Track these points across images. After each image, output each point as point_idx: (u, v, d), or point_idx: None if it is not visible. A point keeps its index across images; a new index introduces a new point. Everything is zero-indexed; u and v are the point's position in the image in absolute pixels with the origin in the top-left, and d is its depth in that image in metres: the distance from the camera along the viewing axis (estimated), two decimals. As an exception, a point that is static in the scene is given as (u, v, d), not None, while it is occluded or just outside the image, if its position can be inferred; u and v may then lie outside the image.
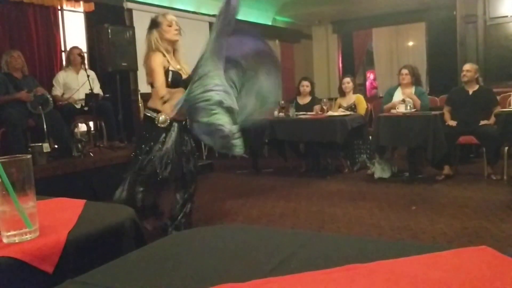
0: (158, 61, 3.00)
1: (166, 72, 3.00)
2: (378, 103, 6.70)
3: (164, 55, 3.04)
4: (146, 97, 6.83)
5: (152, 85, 3.09)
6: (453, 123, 5.05)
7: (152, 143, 3.01)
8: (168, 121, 3.04)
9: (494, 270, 0.74)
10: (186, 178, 3.20)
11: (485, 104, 5.01)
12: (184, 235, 1.15)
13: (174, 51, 3.13)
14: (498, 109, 4.88)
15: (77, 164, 4.66)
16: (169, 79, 3.01)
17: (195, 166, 3.26)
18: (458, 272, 0.74)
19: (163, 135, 3.04)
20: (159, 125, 3.03)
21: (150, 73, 3.03)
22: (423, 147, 4.75)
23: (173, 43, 3.10)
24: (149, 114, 3.08)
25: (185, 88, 2.85)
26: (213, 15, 8.37)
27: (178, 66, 3.10)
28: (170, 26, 3.06)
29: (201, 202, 4.49)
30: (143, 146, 3.04)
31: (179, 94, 2.93)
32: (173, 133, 3.06)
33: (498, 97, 5.25)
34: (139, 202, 3.04)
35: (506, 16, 7.72)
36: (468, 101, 5.06)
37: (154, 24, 3.10)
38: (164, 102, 3.03)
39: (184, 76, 3.06)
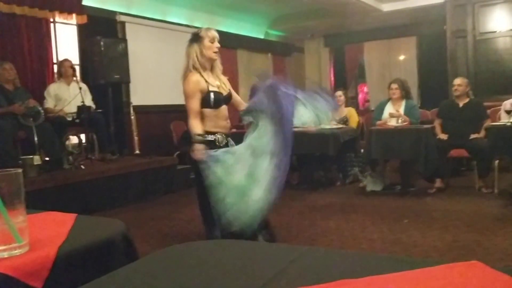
0: (193, 84, 2.89)
1: (207, 94, 2.90)
2: (370, 116, 6.74)
3: (201, 74, 2.92)
4: (139, 109, 6.88)
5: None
6: (444, 136, 5.09)
7: None
8: (225, 139, 2.98)
9: (485, 285, 0.74)
10: None
11: (476, 117, 5.06)
12: (176, 250, 1.14)
13: (212, 68, 3.01)
14: (488, 123, 4.93)
15: (68, 176, 4.62)
16: (211, 101, 2.92)
17: None
18: (450, 287, 0.74)
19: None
20: (220, 145, 2.92)
21: (184, 94, 2.95)
22: (415, 160, 4.77)
23: (212, 60, 2.98)
24: (208, 139, 2.92)
25: (227, 103, 3.01)
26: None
27: (217, 82, 3.00)
28: (212, 42, 2.93)
29: (193, 215, 4.47)
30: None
31: (224, 111, 2.99)
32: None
33: (488, 111, 5.31)
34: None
35: (495, 32, 7.83)
36: (459, 114, 5.11)
37: (196, 38, 2.95)
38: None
39: (224, 93, 3.00)
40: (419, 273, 0.81)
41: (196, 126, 2.91)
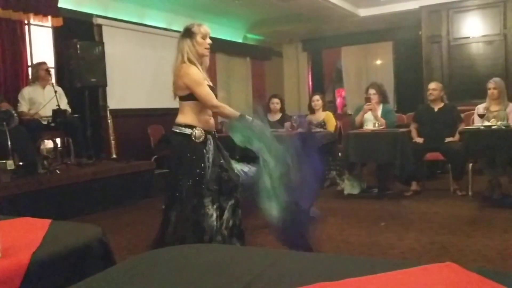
0: (197, 72, 2.84)
1: None
2: (347, 120, 6.80)
3: (197, 67, 2.88)
4: (116, 113, 6.80)
5: (182, 98, 2.90)
6: (420, 140, 5.17)
7: (201, 162, 2.86)
8: (203, 135, 2.89)
9: (459, 286, 0.75)
10: (227, 189, 3.00)
11: (450, 122, 5.16)
12: (152, 255, 1.13)
13: (201, 64, 2.96)
14: (463, 126, 5.03)
15: (42, 181, 4.53)
16: None
17: (235, 175, 3.09)
18: (425, 288, 0.75)
19: (204, 150, 2.89)
20: (196, 141, 2.86)
21: (191, 85, 2.83)
22: (391, 163, 4.83)
23: (202, 57, 2.94)
24: (182, 131, 2.87)
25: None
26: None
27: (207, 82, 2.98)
28: (204, 39, 2.90)
29: (171, 219, 4.44)
30: (197, 169, 2.85)
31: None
32: (211, 146, 2.92)
33: (462, 115, 5.42)
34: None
35: (468, 37, 8.02)
36: (434, 119, 5.20)
37: (188, 33, 2.89)
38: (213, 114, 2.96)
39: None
40: (395, 275, 0.82)
41: (231, 109, 2.93)
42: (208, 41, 2.93)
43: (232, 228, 2.95)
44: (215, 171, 2.90)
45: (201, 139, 2.87)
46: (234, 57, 9.94)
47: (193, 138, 2.86)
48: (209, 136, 2.93)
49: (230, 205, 2.95)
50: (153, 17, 7.83)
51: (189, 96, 2.87)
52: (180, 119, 2.91)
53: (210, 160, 2.89)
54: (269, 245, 3.52)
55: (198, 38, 2.87)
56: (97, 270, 1.01)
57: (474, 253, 3.03)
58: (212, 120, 2.97)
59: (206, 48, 2.92)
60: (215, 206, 2.87)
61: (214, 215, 2.87)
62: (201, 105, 2.89)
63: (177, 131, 2.90)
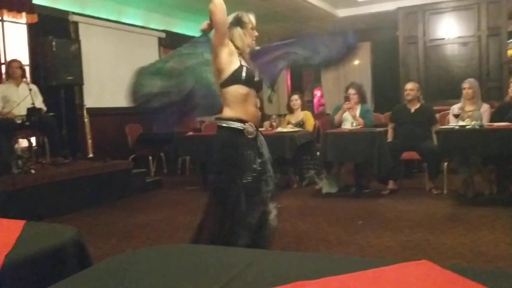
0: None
1: (240, 67, 2.62)
2: (325, 120, 6.85)
3: (240, 54, 2.68)
4: (92, 112, 6.71)
5: (222, 84, 2.64)
6: (391, 137, 5.28)
7: (256, 159, 2.65)
8: (254, 130, 2.67)
9: (434, 283, 0.77)
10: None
11: (426, 121, 5.25)
12: (131, 256, 1.12)
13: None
14: (438, 126, 5.12)
15: (16, 181, 4.44)
16: (243, 74, 2.60)
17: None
18: (401, 286, 0.76)
19: (257, 146, 2.69)
20: (248, 136, 2.64)
21: (219, 32, 2.58)
22: (369, 162, 4.89)
23: (249, 48, 2.75)
24: (235, 126, 2.62)
25: (257, 90, 2.70)
26: (162, 30, 8.34)
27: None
28: (252, 29, 2.73)
29: (149, 219, 4.40)
30: (254, 166, 2.63)
31: (253, 98, 2.68)
32: (263, 142, 2.73)
33: (437, 115, 5.52)
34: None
35: (443, 39, 8.17)
36: (410, 119, 5.28)
37: (238, 22, 2.70)
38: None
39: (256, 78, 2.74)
40: (373, 273, 0.83)
41: None
42: (255, 32, 2.77)
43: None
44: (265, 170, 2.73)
45: (253, 135, 2.66)
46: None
47: (245, 134, 2.64)
48: (258, 131, 2.74)
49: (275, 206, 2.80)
50: (131, 15, 7.74)
51: (230, 79, 2.61)
52: (228, 112, 2.66)
53: (266, 156, 2.73)
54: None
55: (249, 28, 2.72)
56: (73, 272, 0.99)
57: (449, 250, 3.09)
58: (259, 114, 2.76)
59: (253, 40, 2.75)
60: (270, 204, 2.74)
61: (273, 213, 2.73)
62: (245, 94, 2.64)
63: (225, 125, 2.66)
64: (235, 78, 2.60)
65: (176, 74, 2.75)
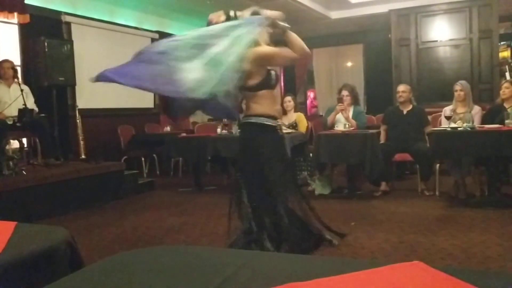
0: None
1: (269, 71, 2.78)
2: (318, 121, 6.87)
3: None
4: (85, 113, 6.67)
5: (254, 88, 2.75)
6: (383, 140, 5.30)
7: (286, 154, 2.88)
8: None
9: (426, 284, 0.77)
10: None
11: (418, 123, 5.27)
12: (123, 257, 1.12)
13: None
14: (430, 128, 5.15)
15: (8, 183, 4.41)
16: (272, 80, 2.80)
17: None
18: (393, 287, 0.76)
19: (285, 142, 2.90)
20: (280, 132, 2.82)
21: (267, 58, 2.75)
22: (361, 164, 4.90)
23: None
24: (270, 123, 2.77)
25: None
26: (155, 31, 8.32)
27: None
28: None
29: (141, 221, 4.39)
30: (285, 161, 2.85)
31: (278, 97, 2.88)
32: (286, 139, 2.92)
33: (429, 117, 5.55)
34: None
35: (436, 41, 8.23)
36: (403, 120, 5.30)
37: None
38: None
39: None
40: (365, 274, 0.83)
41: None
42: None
43: None
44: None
45: (283, 131, 2.87)
46: (206, 57, 9.89)
47: (278, 130, 2.81)
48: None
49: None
50: (124, 16, 7.72)
51: (263, 83, 2.75)
52: (259, 109, 2.79)
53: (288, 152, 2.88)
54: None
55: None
56: (64, 273, 0.99)
57: (440, 251, 3.10)
58: (281, 109, 2.94)
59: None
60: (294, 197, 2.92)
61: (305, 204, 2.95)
62: (273, 94, 2.83)
63: (258, 122, 2.79)
64: (265, 83, 2.77)
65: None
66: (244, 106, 2.89)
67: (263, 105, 2.78)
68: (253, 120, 2.80)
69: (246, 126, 2.85)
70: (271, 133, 2.79)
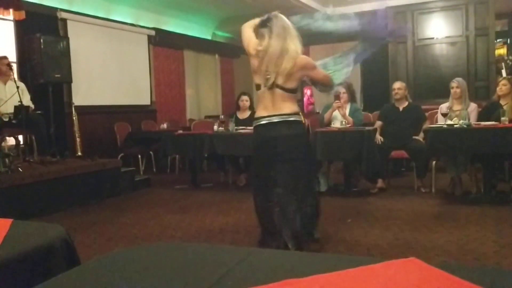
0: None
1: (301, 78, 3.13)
2: (315, 119, 6.87)
3: None
4: (81, 110, 6.66)
5: (291, 90, 3.01)
6: (379, 137, 5.29)
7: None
8: None
9: (421, 281, 0.77)
10: None
11: (415, 120, 5.29)
12: (119, 255, 1.12)
13: None
14: (426, 125, 5.16)
15: (3, 180, 4.39)
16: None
17: None
18: (389, 284, 0.77)
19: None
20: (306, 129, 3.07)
21: (311, 69, 3.19)
22: (358, 161, 4.91)
23: None
24: (297, 119, 2.99)
25: None
26: (152, 28, 8.30)
27: None
28: None
29: (138, 218, 4.38)
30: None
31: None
32: None
33: (426, 114, 5.56)
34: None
35: (432, 38, 8.24)
36: (399, 118, 5.32)
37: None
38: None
39: None
40: (361, 271, 0.84)
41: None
42: None
43: None
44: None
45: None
46: (202, 54, 9.90)
47: (305, 126, 3.07)
48: None
49: None
50: (120, 12, 7.69)
51: (297, 88, 3.09)
52: (291, 107, 2.98)
53: None
54: (238, 243, 3.53)
55: None
56: (61, 270, 0.99)
57: (436, 248, 3.12)
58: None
59: None
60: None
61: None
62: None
63: (292, 119, 2.95)
64: (300, 85, 3.16)
65: None
66: (269, 104, 3.00)
67: (294, 104, 3.03)
68: (297, 118, 2.98)
69: (293, 124, 2.97)
70: (302, 130, 3.05)
